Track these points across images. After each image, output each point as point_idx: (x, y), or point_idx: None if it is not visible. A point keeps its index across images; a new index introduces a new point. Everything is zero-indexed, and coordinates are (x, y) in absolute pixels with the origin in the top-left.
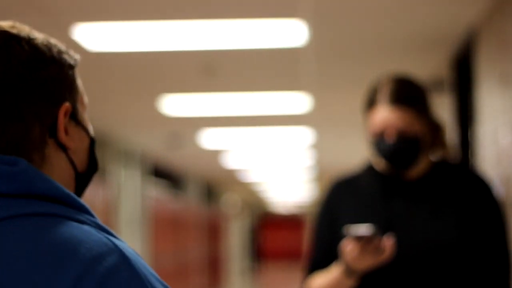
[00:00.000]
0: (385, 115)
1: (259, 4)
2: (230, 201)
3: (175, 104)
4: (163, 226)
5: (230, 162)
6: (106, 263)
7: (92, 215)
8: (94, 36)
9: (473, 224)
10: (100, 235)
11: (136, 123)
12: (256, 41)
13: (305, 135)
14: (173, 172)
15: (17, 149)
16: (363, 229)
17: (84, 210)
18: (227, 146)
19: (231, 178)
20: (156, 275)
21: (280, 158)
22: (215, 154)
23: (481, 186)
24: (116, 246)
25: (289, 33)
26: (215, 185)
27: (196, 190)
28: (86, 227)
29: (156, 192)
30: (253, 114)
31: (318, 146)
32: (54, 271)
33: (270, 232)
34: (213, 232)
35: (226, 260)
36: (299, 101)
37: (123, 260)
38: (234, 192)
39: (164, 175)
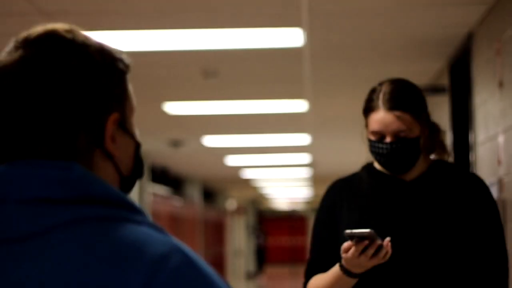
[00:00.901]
0: (382, 120)
1: (258, 14)
2: (231, 201)
3: (176, 107)
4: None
5: (231, 162)
6: (171, 263)
7: (145, 215)
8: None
9: (471, 223)
10: (160, 235)
11: (136, 125)
12: (255, 49)
13: (302, 138)
14: (173, 171)
15: (64, 156)
16: (362, 232)
17: (138, 211)
18: (227, 146)
19: (231, 178)
20: (216, 273)
21: (278, 159)
22: (216, 154)
23: (477, 186)
24: (176, 245)
25: (286, 40)
26: (216, 185)
27: (196, 189)
28: (145, 228)
29: (156, 192)
30: (253, 119)
31: (313, 149)
32: (123, 273)
33: (271, 231)
34: (214, 231)
35: (228, 259)
36: (296, 106)
37: (187, 259)
38: (235, 191)
39: (164, 174)
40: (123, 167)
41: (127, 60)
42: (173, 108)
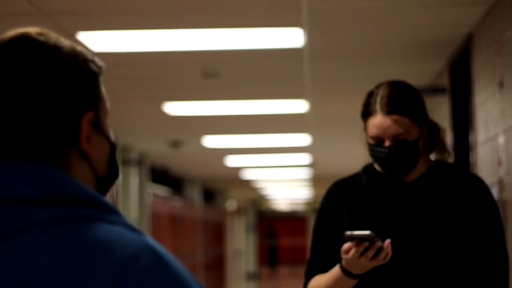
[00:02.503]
0: (380, 125)
1: (259, 14)
2: (231, 201)
3: (176, 107)
4: (163, 228)
5: (231, 162)
6: (141, 263)
7: (120, 215)
8: (98, 41)
9: (471, 224)
10: (132, 235)
11: (136, 126)
12: (255, 49)
13: (302, 138)
14: (173, 172)
15: (41, 157)
16: (363, 233)
17: (112, 210)
18: (227, 147)
19: (232, 179)
20: (188, 272)
21: (279, 159)
22: (216, 154)
23: (478, 186)
24: (148, 245)
25: (286, 40)
26: (216, 186)
27: (196, 190)
28: (117, 228)
29: (156, 192)
30: (253, 119)
31: (313, 149)
32: (90, 273)
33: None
34: (215, 232)
35: (228, 260)
36: (296, 106)
37: (158, 259)
38: (235, 192)
39: (164, 175)
40: (99, 168)
41: (99, 62)
42: (173, 108)
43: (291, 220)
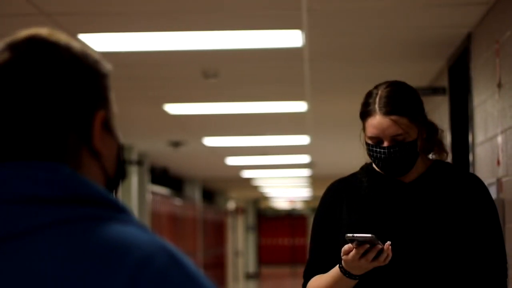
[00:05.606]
0: (379, 125)
1: (258, 14)
2: (230, 201)
3: (176, 107)
4: (163, 227)
5: (231, 162)
6: (157, 263)
7: (131, 215)
8: (98, 41)
9: (469, 224)
10: (147, 235)
11: (136, 126)
12: (254, 49)
13: (301, 139)
14: (173, 172)
15: (54, 156)
16: (364, 236)
17: (124, 210)
18: (227, 146)
19: (231, 179)
20: (203, 273)
21: (278, 160)
22: (216, 154)
23: (476, 186)
24: (162, 245)
25: (286, 41)
26: (216, 185)
27: (196, 190)
28: (131, 228)
29: (156, 192)
30: (253, 119)
31: (312, 149)
32: (106, 273)
33: (270, 230)
34: (214, 232)
35: (228, 259)
36: (295, 107)
37: (172, 259)
38: (235, 191)
39: (164, 175)
40: (108, 168)
41: (107, 65)
42: (173, 108)
43: (289, 219)
